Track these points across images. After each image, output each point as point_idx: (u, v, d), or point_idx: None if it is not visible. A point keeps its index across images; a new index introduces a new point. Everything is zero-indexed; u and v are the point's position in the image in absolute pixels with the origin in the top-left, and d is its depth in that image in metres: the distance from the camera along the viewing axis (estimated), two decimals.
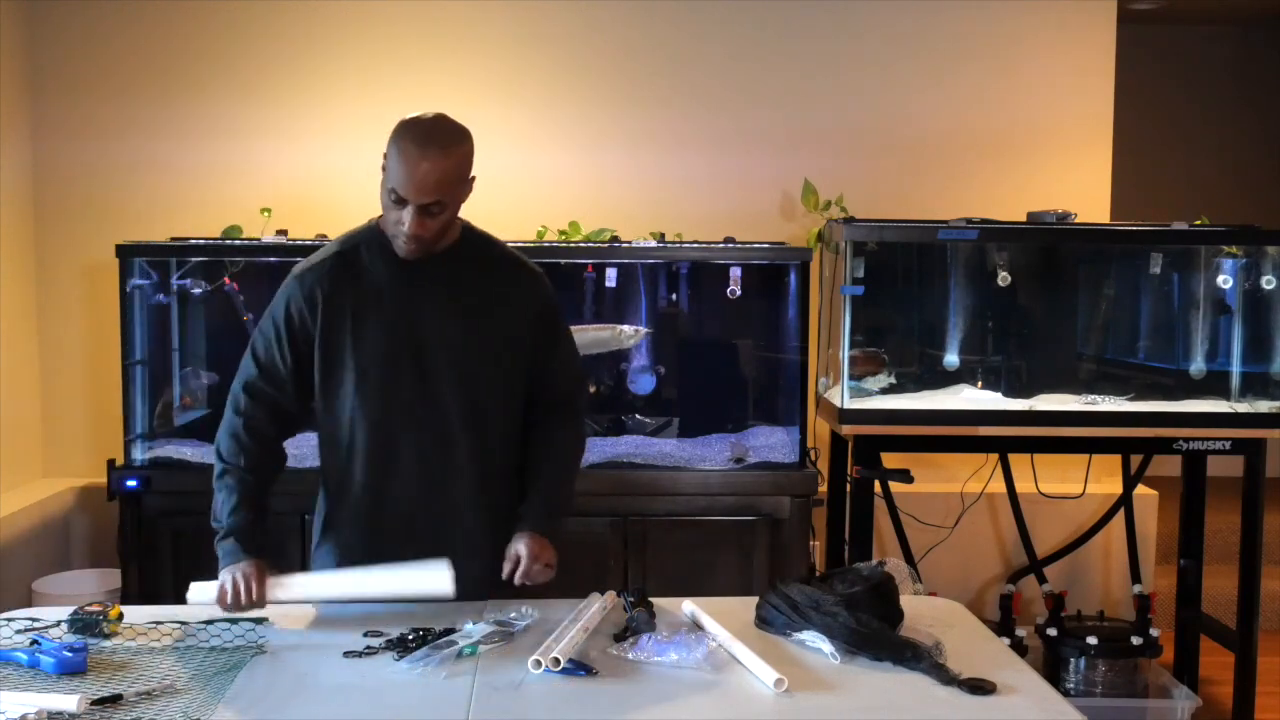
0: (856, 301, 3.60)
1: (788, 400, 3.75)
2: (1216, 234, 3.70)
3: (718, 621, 2.08)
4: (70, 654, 1.89)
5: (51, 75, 4.16)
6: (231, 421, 2.26)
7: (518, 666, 1.90)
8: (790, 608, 2.07)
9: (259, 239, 3.74)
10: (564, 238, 3.95)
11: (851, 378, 3.64)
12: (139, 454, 3.59)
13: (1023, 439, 3.66)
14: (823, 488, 3.69)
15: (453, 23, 4.21)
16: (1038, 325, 4.04)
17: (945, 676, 1.87)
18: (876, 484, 3.68)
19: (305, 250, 2.55)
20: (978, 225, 3.61)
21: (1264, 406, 3.65)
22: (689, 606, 2.18)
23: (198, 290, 3.70)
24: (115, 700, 1.76)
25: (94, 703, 1.73)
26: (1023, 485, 4.03)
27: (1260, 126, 6.20)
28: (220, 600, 2.12)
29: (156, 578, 3.48)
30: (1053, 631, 3.73)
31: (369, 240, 2.28)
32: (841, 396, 3.59)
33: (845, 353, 3.61)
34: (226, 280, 3.67)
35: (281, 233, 3.73)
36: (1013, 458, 3.95)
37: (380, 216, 2.29)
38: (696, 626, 2.10)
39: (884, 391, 3.74)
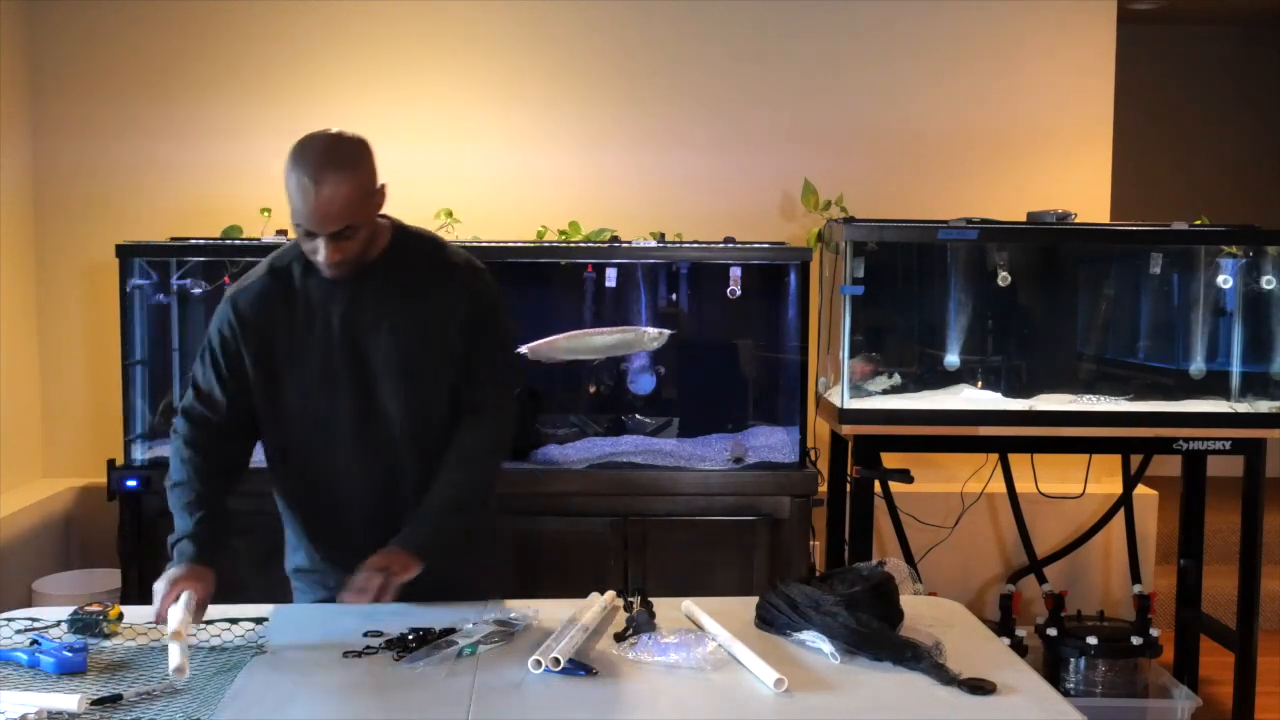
0: (856, 301, 3.60)
1: (788, 400, 3.75)
2: (1216, 234, 3.70)
3: (718, 621, 2.07)
4: (70, 654, 1.88)
5: (51, 75, 4.16)
6: (175, 447, 2.23)
7: (518, 666, 1.90)
8: (790, 608, 2.07)
9: (259, 239, 3.74)
10: (564, 238, 3.95)
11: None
12: (139, 454, 3.60)
13: (1023, 439, 3.66)
14: (823, 488, 3.69)
15: (453, 23, 4.21)
16: (1038, 325, 4.04)
17: (945, 676, 1.87)
18: (876, 484, 3.68)
19: None
20: (978, 225, 3.61)
21: (1264, 406, 3.65)
22: (689, 606, 2.18)
23: (198, 290, 3.70)
24: (115, 700, 1.75)
25: (94, 703, 1.73)
26: (1023, 485, 4.03)
27: (1260, 126, 6.20)
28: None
29: (156, 578, 3.46)
30: (1053, 631, 3.73)
31: (300, 256, 2.21)
32: (841, 396, 3.59)
33: (845, 353, 3.61)
34: (226, 280, 3.66)
35: (281, 233, 3.73)
36: (1013, 458, 3.95)
37: None
38: (696, 626, 2.10)
39: (884, 392, 3.74)
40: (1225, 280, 3.68)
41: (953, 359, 3.75)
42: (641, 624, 2.06)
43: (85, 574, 3.95)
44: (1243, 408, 3.66)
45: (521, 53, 4.22)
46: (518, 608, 2.15)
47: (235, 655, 1.97)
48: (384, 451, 2.24)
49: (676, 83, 4.26)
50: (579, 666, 1.90)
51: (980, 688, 1.83)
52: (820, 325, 3.90)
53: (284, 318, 2.21)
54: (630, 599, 2.18)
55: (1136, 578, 3.93)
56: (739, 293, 3.61)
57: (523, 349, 3.33)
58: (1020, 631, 3.78)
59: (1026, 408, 3.63)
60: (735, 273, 3.60)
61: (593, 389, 3.85)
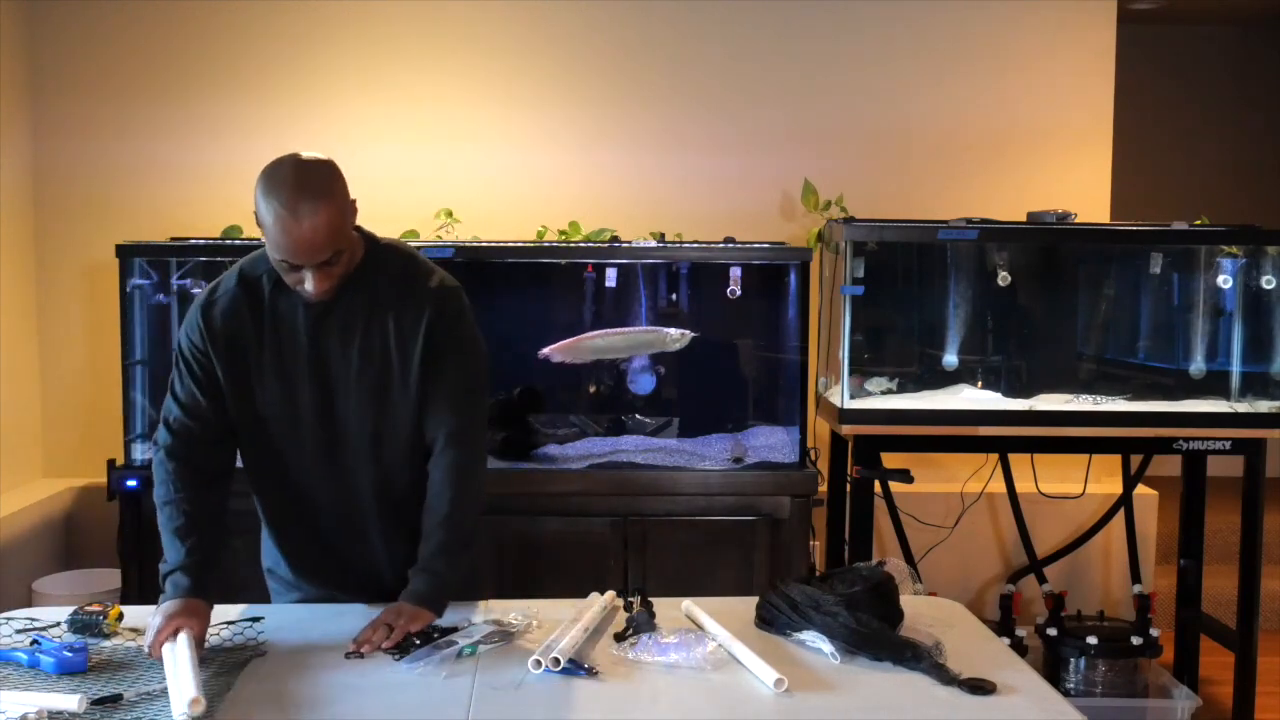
0: (856, 301, 3.60)
1: (788, 400, 3.75)
2: (1216, 234, 3.70)
3: (718, 621, 2.07)
4: (70, 654, 1.88)
5: (51, 75, 4.16)
6: (159, 460, 2.19)
7: (518, 666, 1.90)
8: (790, 608, 2.07)
9: (259, 239, 3.73)
10: (564, 238, 3.95)
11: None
12: (139, 454, 3.59)
13: (1023, 439, 3.66)
14: (823, 488, 3.69)
15: (453, 23, 4.21)
16: (1038, 325, 4.04)
17: (945, 676, 1.87)
18: (876, 484, 3.68)
19: None
20: (978, 225, 3.61)
21: (1264, 406, 3.65)
22: (689, 606, 2.18)
23: (197, 290, 3.69)
24: (115, 700, 1.76)
25: (94, 703, 1.73)
26: (1023, 485, 4.03)
27: (1260, 126, 6.20)
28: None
29: (156, 578, 3.46)
30: (1053, 631, 3.73)
31: (271, 269, 2.17)
32: (841, 396, 3.59)
33: (845, 353, 3.61)
34: None
35: None
36: (1013, 458, 3.95)
37: None
38: (696, 626, 2.10)
39: (884, 393, 3.74)
40: (1225, 280, 3.68)
41: (952, 359, 3.75)
42: (641, 624, 2.06)
43: (85, 574, 3.94)
44: (1243, 408, 3.66)
45: (521, 53, 4.22)
46: (518, 608, 2.15)
47: (235, 655, 1.97)
48: (349, 462, 2.23)
49: (676, 83, 4.26)
50: (579, 666, 1.90)
51: (980, 688, 1.83)
52: (820, 325, 3.90)
53: (253, 328, 2.19)
54: (630, 599, 2.19)
55: (1136, 578, 3.93)
56: (739, 293, 3.61)
57: (546, 350, 3.34)
58: (1020, 631, 3.78)
59: (1026, 408, 3.63)
60: (735, 273, 3.60)
61: (593, 389, 3.84)
